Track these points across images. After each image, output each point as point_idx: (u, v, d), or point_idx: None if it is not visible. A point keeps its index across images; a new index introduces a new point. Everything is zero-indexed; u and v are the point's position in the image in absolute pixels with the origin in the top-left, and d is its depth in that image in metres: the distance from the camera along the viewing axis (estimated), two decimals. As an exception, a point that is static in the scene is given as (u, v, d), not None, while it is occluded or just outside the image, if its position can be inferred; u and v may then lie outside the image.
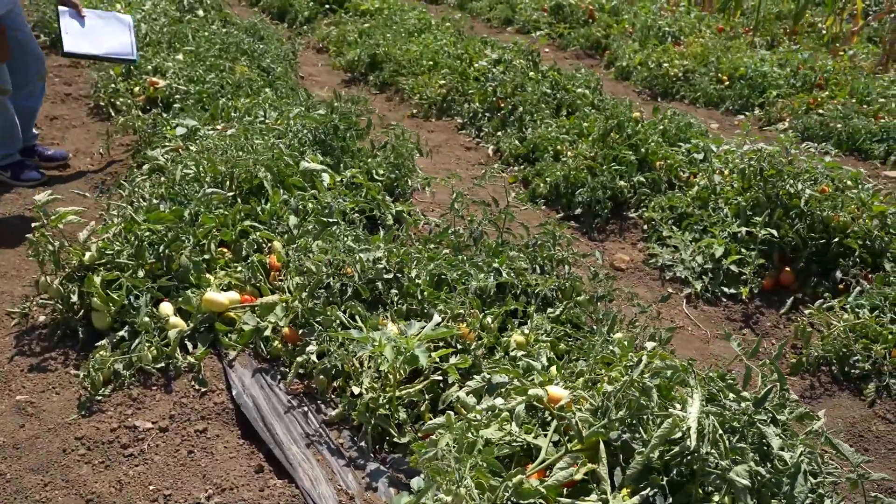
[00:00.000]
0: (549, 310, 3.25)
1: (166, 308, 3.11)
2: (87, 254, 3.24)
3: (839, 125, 6.94)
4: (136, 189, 3.75)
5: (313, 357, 2.77)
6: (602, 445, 2.08)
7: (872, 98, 7.49)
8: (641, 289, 4.13)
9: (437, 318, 2.56)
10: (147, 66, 6.42)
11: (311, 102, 5.31)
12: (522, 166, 5.75)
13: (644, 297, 3.95)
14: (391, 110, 7.38)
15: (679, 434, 2.01)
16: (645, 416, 2.16)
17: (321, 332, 2.84)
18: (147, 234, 3.27)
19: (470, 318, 2.94)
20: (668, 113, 5.73)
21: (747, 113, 7.96)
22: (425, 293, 3.06)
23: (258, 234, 3.44)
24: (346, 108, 4.54)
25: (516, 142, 5.93)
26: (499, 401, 2.38)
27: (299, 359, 2.78)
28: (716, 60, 8.70)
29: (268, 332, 3.02)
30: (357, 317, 2.96)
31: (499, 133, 6.21)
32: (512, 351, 2.93)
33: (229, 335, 3.07)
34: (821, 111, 7.47)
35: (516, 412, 2.29)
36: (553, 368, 2.73)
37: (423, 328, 2.58)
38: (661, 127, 5.38)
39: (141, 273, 3.24)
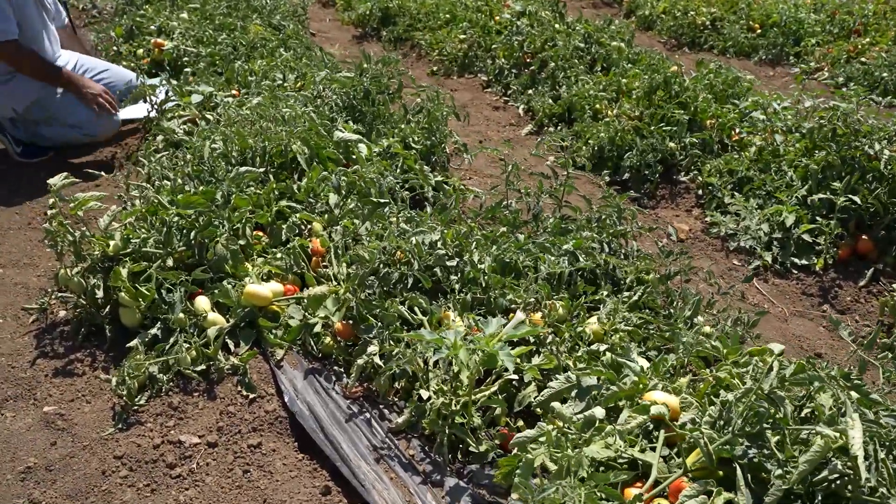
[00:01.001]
0: (625, 293, 2.96)
1: (203, 303, 2.82)
2: (111, 243, 2.94)
3: (885, 74, 6.58)
4: (157, 167, 3.43)
5: (376, 359, 2.49)
6: (736, 469, 1.81)
7: (919, 44, 7.11)
8: (704, 261, 3.85)
9: (520, 315, 2.27)
10: (150, 26, 6.04)
11: (334, 63, 4.95)
12: (558, 127, 5.42)
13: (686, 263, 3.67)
14: (409, 68, 7.00)
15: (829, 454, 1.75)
16: (774, 431, 1.89)
17: (381, 330, 2.55)
18: (176, 219, 2.96)
19: (547, 310, 2.65)
20: (711, 66, 5.38)
21: (785, 63, 7.58)
22: (490, 280, 2.77)
23: (298, 215, 3.13)
24: (377, 70, 4.19)
25: (550, 101, 5.58)
26: (598, 411, 2.11)
27: (360, 361, 2.50)
28: (746, 7, 8.29)
29: (318, 329, 2.73)
30: (417, 309, 2.68)
31: (529, 91, 5.86)
32: (588, 341, 2.65)
33: (274, 332, 2.78)
34: (863, 59, 7.11)
35: (626, 427, 2.02)
36: (644, 364, 2.45)
37: (504, 326, 2.29)
38: (708, 82, 5.03)
39: (170, 262, 2.95)
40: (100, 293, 2.86)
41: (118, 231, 3.00)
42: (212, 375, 2.67)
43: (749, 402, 1.91)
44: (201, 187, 3.22)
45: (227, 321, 2.81)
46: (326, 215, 3.23)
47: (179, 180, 3.23)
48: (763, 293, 3.60)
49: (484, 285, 2.79)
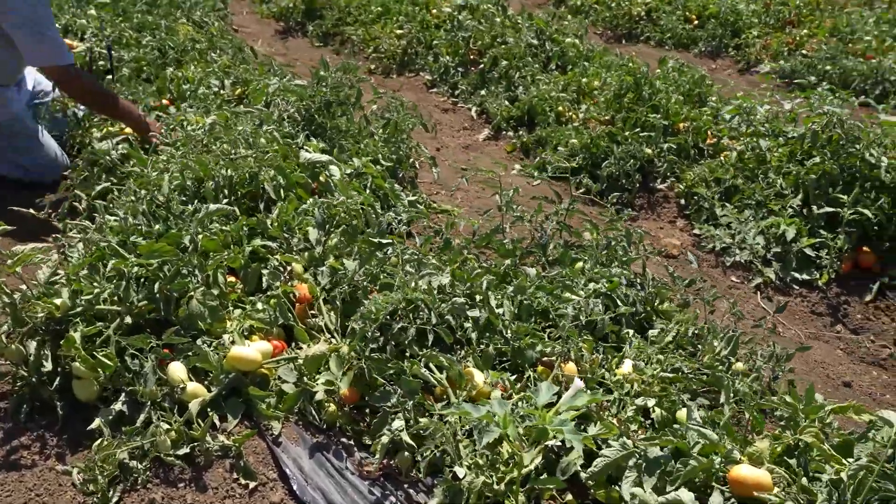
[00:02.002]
0: (652, 331, 2.72)
1: (178, 371, 2.41)
2: (58, 301, 2.48)
3: (828, 67, 6.62)
4: (99, 202, 2.97)
5: (404, 436, 2.15)
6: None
7: (857, 35, 7.20)
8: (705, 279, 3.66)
9: (578, 383, 1.98)
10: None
11: (276, 68, 4.53)
12: (518, 132, 5.15)
13: (710, 293, 3.48)
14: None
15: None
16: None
17: (402, 399, 2.22)
18: (135, 269, 2.53)
19: (588, 364, 2.37)
20: (671, 64, 5.23)
21: (725, 55, 7.56)
22: (516, 329, 2.47)
23: (278, 257, 2.75)
24: (336, 79, 3.80)
25: (506, 103, 5.31)
26: (685, 495, 1.85)
27: (384, 440, 2.17)
28: (682, -3, 8.25)
29: (320, 395, 2.37)
30: (437, 368, 2.36)
31: (481, 92, 5.57)
32: (631, 393, 2.40)
33: (267, 401, 2.41)
34: (804, 52, 7.15)
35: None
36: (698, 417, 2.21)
37: (553, 392, 2.00)
38: (673, 82, 4.87)
39: (128, 320, 2.53)
40: (48, 364, 2.41)
41: (62, 286, 2.55)
42: (198, 460, 2.27)
43: (870, 484, 1.69)
44: (157, 226, 2.79)
45: (209, 390, 2.41)
46: (306, 253, 2.86)
47: (131, 219, 2.78)
48: (769, 313, 3.43)
49: (507, 335, 2.49)
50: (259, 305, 2.64)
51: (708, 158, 4.45)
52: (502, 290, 2.62)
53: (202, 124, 3.46)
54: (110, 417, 2.35)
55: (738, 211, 3.87)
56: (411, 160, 3.99)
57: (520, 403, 2.17)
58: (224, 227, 2.84)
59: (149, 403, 2.36)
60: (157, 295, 2.55)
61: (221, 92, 4.48)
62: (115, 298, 2.55)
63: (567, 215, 3.15)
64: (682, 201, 4.23)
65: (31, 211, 2.97)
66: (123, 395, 2.40)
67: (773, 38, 7.43)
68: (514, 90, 5.38)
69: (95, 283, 2.57)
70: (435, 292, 2.48)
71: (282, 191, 3.13)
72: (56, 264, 2.58)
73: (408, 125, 4.00)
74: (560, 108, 5.01)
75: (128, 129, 3.89)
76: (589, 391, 2.06)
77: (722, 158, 4.33)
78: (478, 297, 2.60)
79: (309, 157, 3.25)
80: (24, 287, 2.48)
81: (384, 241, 2.57)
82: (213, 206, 2.68)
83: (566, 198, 4.45)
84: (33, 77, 4.10)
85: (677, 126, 4.56)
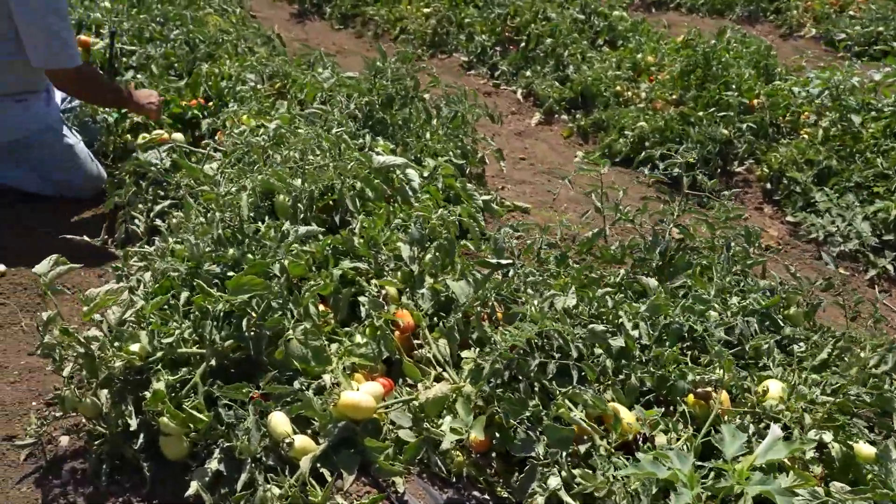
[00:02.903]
0: (796, 346, 2.44)
1: (282, 423, 2.11)
2: (136, 346, 2.19)
3: (881, 28, 6.30)
4: (164, 226, 2.67)
5: (563, 496, 1.88)
6: None
7: (908, -6, 6.86)
8: (809, 273, 3.38)
9: (776, 430, 1.70)
10: (64, 20, 5.05)
11: (323, 60, 4.20)
12: (573, 115, 4.84)
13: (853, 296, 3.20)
14: (368, 50, 6.25)
15: None
16: None
17: (553, 451, 1.94)
18: (221, 305, 2.24)
19: (757, 396, 2.10)
20: (732, 35, 4.90)
21: (763, 20, 7.23)
22: (664, 357, 2.19)
23: (376, 281, 2.45)
24: (396, 70, 3.48)
25: (556, 83, 4.99)
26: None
27: (539, 501, 1.88)
28: (713, -40, 7.88)
29: (447, 444, 2.09)
30: (573, 403, 2.08)
31: (526, 73, 5.24)
32: (785, 417, 2.12)
33: (385, 452, 2.12)
34: (851, 13, 6.82)
35: None
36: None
37: (743, 441, 1.73)
38: (740, 55, 4.55)
39: (213, 362, 2.24)
40: (132, 422, 2.12)
41: (137, 328, 2.26)
42: (316, 527, 1.99)
43: None
44: (232, 250, 2.48)
45: (316, 441, 2.13)
46: (399, 273, 2.57)
47: (202, 243, 2.48)
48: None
49: (650, 363, 2.21)
50: (359, 338, 2.34)
51: (785, 137, 4.15)
52: (633, 309, 2.33)
53: (256, 127, 3.15)
54: (206, 479, 2.07)
55: (838, 195, 3.58)
56: (479, 154, 3.68)
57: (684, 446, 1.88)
58: (306, 248, 2.54)
59: (248, 460, 2.08)
60: (246, 333, 2.26)
61: (259, 87, 4.15)
62: (196, 337, 2.27)
63: (680, 214, 2.85)
64: (768, 185, 3.93)
65: (86, 238, 2.67)
66: (218, 451, 2.12)
67: (815, 1, 7.09)
68: (564, 70, 5.06)
69: (174, 323, 2.27)
70: (567, 318, 2.20)
71: (357, 201, 2.83)
72: (127, 303, 2.28)
73: (473, 116, 3.68)
74: (618, 88, 4.70)
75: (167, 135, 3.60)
76: (784, 438, 1.77)
77: (805, 136, 4.03)
78: (600, 313, 2.32)
79: (382, 160, 2.94)
80: (96, 332, 2.18)
81: (503, 260, 2.28)
82: (302, 229, 2.38)
83: (631, 185, 4.18)
84: None
85: (751, 103, 4.24)
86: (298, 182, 2.70)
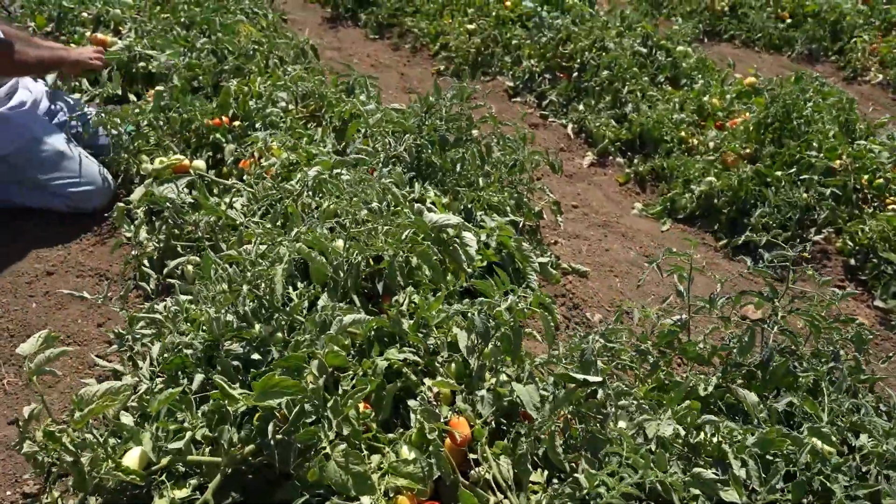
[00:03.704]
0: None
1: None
2: (134, 454, 1.82)
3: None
4: (182, 294, 2.29)
5: None
6: None
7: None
8: (904, 375, 2.98)
9: None
10: (82, 13, 4.70)
11: (371, 89, 3.81)
12: (630, 159, 4.46)
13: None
14: (406, 65, 5.87)
15: None
16: None
17: None
18: (243, 406, 1.86)
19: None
20: (808, 83, 4.51)
21: (825, 60, 6.84)
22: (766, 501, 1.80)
23: (429, 382, 2.07)
24: (450, 109, 3.10)
25: (612, 122, 4.60)
26: None
27: None
28: (772, -8, 7.50)
29: None
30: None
31: (579, 106, 4.85)
32: None
33: None
34: (921, 59, 6.42)
35: None
36: None
37: None
38: (821, 107, 4.16)
39: (228, 470, 1.87)
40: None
41: (139, 427, 1.88)
42: None
43: None
44: (259, 326, 2.10)
45: (349, 588, 1.75)
46: (452, 366, 2.20)
47: (224, 315, 2.09)
48: None
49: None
50: (405, 450, 1.96)
51: (868, 205, 3.76)
52: (738, 443, 1.94)
53: (290, 166, 2.77)
54: None
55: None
56: (536, 208, 3.30)
57: None
58: (348, 330, 2.15)
59: None
60: (271, 440, 1.88)
61: (290, 108, 3.78)
62: (209, 434, 1.89)
63: (785, 315, 2.45)
64: (853, 261, 3.53)
65: (85, 294, 2.29)
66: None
67: (882, 44, 6.69)
68: (621, 107, 4.67)
69: (186, 419, 1.90)
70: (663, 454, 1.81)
71: (406, 273, 2.45)
72: (126, 396, 1.89)
73: (531, 164, 3.30)
74: (682, 134, 4.31)
75: (188, 163, 3.23)
76: None
77: (894, 207, 3.64)
78: (697, 444, 1.93)
79: (435, 219, 2.55)
80: (88, 436, 1.80)
81: (592, 377, 1.89)
82: (347, 318, 1.99)
83: (697, 247, 3.79)
84: (41, 90, 3.42)
85: (833, 165, 3.85)
86: (340, 243, 2.32)
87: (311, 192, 2.54)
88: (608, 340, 2.16)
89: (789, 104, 3.91)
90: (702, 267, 3.35)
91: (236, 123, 3.56)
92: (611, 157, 4.52)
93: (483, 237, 2.74)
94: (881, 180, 3.79)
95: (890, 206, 3.70)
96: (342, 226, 2.43)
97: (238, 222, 2.65)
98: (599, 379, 1.84)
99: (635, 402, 1.97)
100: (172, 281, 2.46)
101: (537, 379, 2.13)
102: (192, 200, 2.78)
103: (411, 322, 2.24)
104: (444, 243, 2.63)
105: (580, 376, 1.85)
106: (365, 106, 3.29)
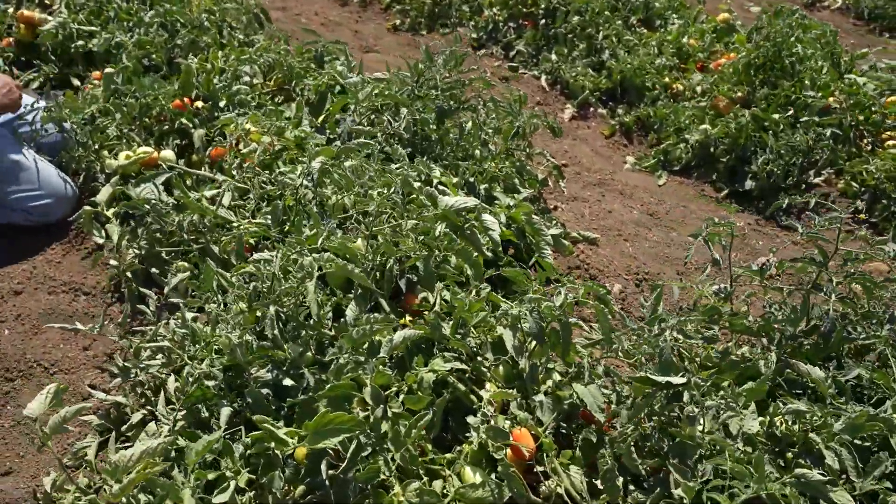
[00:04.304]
0: None
1: None
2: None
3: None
4: (191, 311, 2.05)
5: None
6: None
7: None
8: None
9: None
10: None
11: (328, 50, 3.54)
12: (613, 110, 4.30)
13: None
14: (358, 21, 5.56)
15: None
16: None
17: None
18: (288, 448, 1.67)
19: None
20: (788, 15, 4.39)
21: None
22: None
23: (489, 395, 1.90)
24: (450, 77, 2.87)
25: (590, 71, 4.42)
26: None
27: None
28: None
29: None
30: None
31: (551, 56, 4.64)
32: None
33: None
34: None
35: None
36: None
37: None
38: (806, 43, 4.04)
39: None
40: None
41: (176, 484, 1.67)
42: None
43: None
44: (288, 347, 1.89)
45: None
46: (500, 369, 2.03)
47: (247, 337, 1.87)
48: None
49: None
50: (469, 473, 1.79)
51: (862, 141, 3.69)
52: (825, 430, 1.82)
53: (276, 152, 2.53)
54: None
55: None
56: (541, 176, 3.12)
57: None
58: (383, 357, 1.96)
59: None
60: (325, 480, 1.69)
61: (255, 82, 3.49)
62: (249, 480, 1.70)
63: (840, 282, 2.32)
64: (860, 203, 3.46)
65: (79, 326, 2.04)
66: None
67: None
68: (598, 55, 4.48)
69: (225, 466, 1.70)
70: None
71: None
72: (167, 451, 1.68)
73: (529, 128, 3.11)
74: (666, 80, 4.16)
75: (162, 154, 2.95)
76: None
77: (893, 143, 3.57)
78: (783, 434, 1.81)
79: (450, 203, 2.35)
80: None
81: (675, 379, 1.73)
82: (398, 337, 1.80)
83: (695, 200, 3.67)
84: None
85: (827, 103, 3.75)
86: (360, 243, 2.11)
87: (314, 185, 2.30)
88: (686, 335, 2.00)
89: (779, 42, 3.78)
90: (742, 234, 3.22)
91: (199, 104, 3.26)
92: (592, 109, 4.34)
93: (502, 217, 2.55)
94: (877, 116, 3.71)
95: (888, 143, 3.63)
96: (357, 221, 2.21)
97: (233, 223, 2.41)
98: (684, 380, 1.70)
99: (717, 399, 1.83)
100: (174, 300, 2.21)
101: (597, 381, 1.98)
102: (176, 201, 2.51)
103: (450, 324, 2.05)
104: (460, 228, 2.44)
105: (662, 379, 1.70)
106: (346, 78, 3.03)
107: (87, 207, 2.85)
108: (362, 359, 1.78)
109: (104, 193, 2.90)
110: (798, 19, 4.32)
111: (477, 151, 3.01)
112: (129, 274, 2.52)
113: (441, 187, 2.52)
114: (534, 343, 2.01)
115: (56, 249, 2.91)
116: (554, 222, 3.05)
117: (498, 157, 2.96)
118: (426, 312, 2.11)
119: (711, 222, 2.28)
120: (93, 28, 3.82)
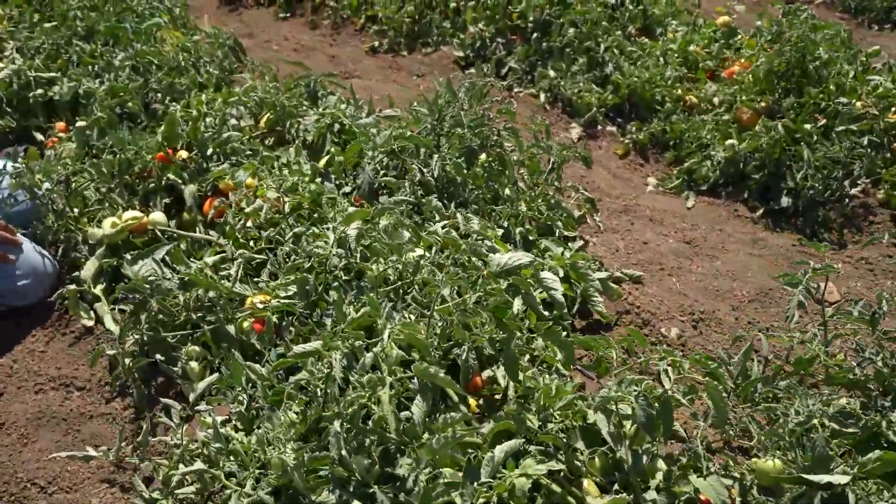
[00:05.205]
0: None
1: None
2: None
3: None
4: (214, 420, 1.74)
5: None
6: None
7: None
8: None
9: None
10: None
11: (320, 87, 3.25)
12: (623, 127, 4.06)
13: None
14: (332, 45, 5.26)
15: None
16: None
17: None
18: None
19: None
20: (795, 15, 4.20)
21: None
22: None
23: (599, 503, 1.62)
24: (476, 115, 2.60)
25: (594, 87, 4.18)
26: None
27: None
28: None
29: None
30: None
31: (549, 72, 4.39)
32: None
33: None
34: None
35: None
36: None
37: None
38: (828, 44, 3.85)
39: None
40: None
41: None
42: None
43: None
44: (358, 463, 1.59)
45: None
46: (596, 460, 1.76)
47: (302, 454, 1.57)
48: None
49: None
50: None
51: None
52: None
53: (289, 211, 2.23)
54: None
55: None
56: (577, 213, 2.86)
57: None
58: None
59: None
60: None
61: (243, 124, 3.19)
62: None
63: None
64: (899, 214, 3.27)
65: (90, 452, 1.72)
66: None
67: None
68: (600, 68, 4.24)
69: None
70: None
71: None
72: None
73: (559, 157, 2.85)
74: (678, 92, 3.94)
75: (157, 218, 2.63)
76: None
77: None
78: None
79: (503, 261, 2.07)
80: None
81: (836, 479, 1.45)
82: (498, 452, 1.51)
83: (728, 222, 3.45)
84: None
85: (859, 110, 3.55)
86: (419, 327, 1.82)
87: (352, 254, 2.00)
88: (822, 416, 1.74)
89: (802, 47, 3.58)
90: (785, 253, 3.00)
91: (184, 154, 2.93)
92: (600, 127, 4.10)
93: (560, 272, 2.28)
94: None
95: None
96: (401, 291, 1.92)
97: (257, 301, 2.10)
98: (847, 479, 1.44)
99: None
100: (201, 408, 1.89)
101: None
102: (181, 278, 2.19)
103: (534, 414, 1.77)
104: (515, 288, 2.16)
105: (820, 479, 1.44)
106: (359, 121, 2.74)
107: (72, 287, 2.52)
108: (453, 480, 1.49)
109: (89, 268, 2.56)
110: (806, 18, 4.14)
111: (507, 190, 2.74)
112: (133, 368, 2.19)
113: (488, 244, 2.23)
114: (633, 427, 1.74)
115: (38, 336, 2.56)
116: (595, 262, 2.79)
117: (529, 196, 2.69)
118: (506, 405, 1.82)
119: (809, 267, 2.03)
120: (52, 74, 3.47)
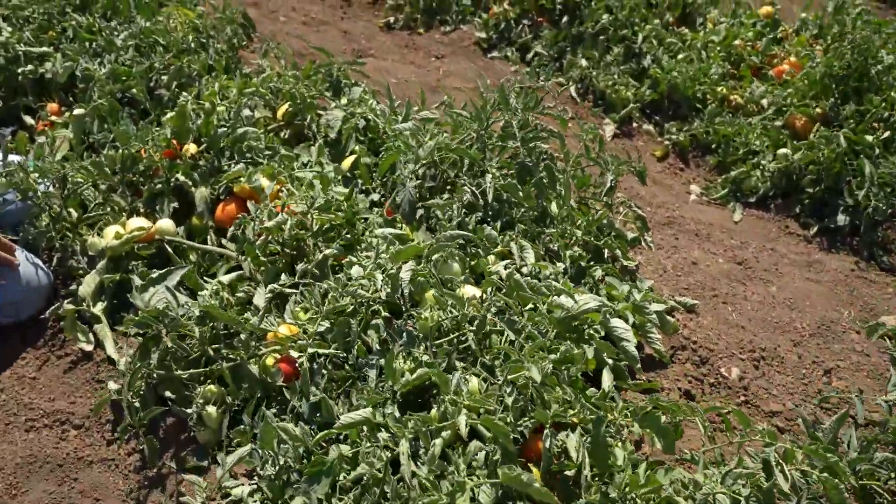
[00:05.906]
0: None
1: None
2: None
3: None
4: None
5: None
6: None
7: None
8: None
9: None
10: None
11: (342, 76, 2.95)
12: (661, 126, 3.79)
13: None
14: (344, 18, 4.93)
15: None
16: None
17: None
18: None
19: None
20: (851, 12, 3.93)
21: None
22: None
23: None
24: (531, 128, 2.32)
25: (630, 80, 3.90)
26: None
27: None
28: None
29: None
30: None
31: (580, 61, 4.10)
32: None
33: None
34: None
35: None
36: None
37: None
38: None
39: None
40: None
41: None
42: None
43: None
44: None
45: None
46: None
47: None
48: None
49: None
50: None
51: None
52: None
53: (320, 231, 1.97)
54: None
55: None
56: (631, 235, 2.61)
57: None
58: None
59: None
60: None
61: (257, 116, 2.90)
62: None
63: None
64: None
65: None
66: None
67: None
68: (637, 60, 3.96)
69: None
70: None
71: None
72: None
73: (615, 171, 2.59)
74: (723, 90, 3.67)
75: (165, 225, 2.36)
76: None
77: None
78: None
79: (570, 306, 1.83)
80: None
81: None
82: None
83: (779, 239, 3.21)
84: None
85: (917, 117, 3.32)
86: (475, 383, 1.57)
87: (405, 299, 1.74)
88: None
89: (864, 49, 3.32)
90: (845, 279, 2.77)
91: (192, 148, 2.65)
92: (635, 125, 3.83)
93: (630, 318, 2.04)
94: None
95: None
96: (455, 343, 1.66)
97: (282, 330, 1.84)
98: None
99: None
100: (230, 485, 1.64)
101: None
102: (200, 312, 1.92)
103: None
104: (579, 334, 1.92)
105: None
106: (396, 123, 2.46)
107: (69, 305, 2.25)
108: None
109: (89, 283, 2.29)
110: (860, 14, 3.89)
111: (553, 207, 2.48)
112: (144, 419, 1.93)
113: (554, 282, 1.98)
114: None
115: (28, 359, 2.29)
116: (649, 292, 2.54)
117: (580, 215, 2.44)
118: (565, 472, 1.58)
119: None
120: (44, 49, 3.15)
